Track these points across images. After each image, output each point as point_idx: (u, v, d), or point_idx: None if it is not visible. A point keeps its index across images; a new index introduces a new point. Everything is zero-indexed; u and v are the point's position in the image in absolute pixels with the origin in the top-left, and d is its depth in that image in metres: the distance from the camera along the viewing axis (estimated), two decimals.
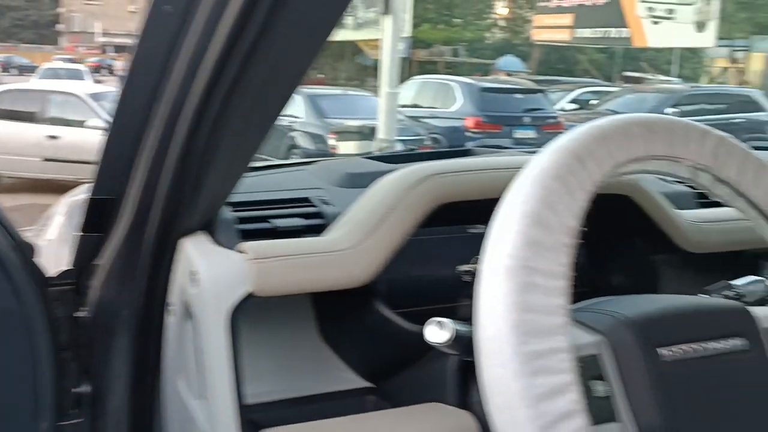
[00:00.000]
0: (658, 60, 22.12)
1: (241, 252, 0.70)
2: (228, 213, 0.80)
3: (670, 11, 14.22)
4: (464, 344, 0.60)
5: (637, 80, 16.73)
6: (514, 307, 0.48)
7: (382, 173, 0.81)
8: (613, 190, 0.85)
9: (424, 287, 0.84)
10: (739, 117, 9.18)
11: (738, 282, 0.80)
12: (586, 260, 0.96)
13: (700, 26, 13.83)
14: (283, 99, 0.64)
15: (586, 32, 16.62)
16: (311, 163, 1.01)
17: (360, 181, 0.83)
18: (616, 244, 0.94)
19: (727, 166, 0.62)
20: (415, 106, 8.99)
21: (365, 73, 19.92)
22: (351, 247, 0.71)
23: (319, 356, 0.80)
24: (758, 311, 0.66)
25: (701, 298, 0.65)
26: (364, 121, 6.94)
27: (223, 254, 0.69)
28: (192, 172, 0.64)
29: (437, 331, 0.61)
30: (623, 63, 20.86)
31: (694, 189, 1.02)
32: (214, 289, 0.66)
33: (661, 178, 1.05)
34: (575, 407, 0.48)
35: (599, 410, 0.55)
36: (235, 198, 0.78)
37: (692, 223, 0.90)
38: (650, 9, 14.58)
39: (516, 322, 0.48)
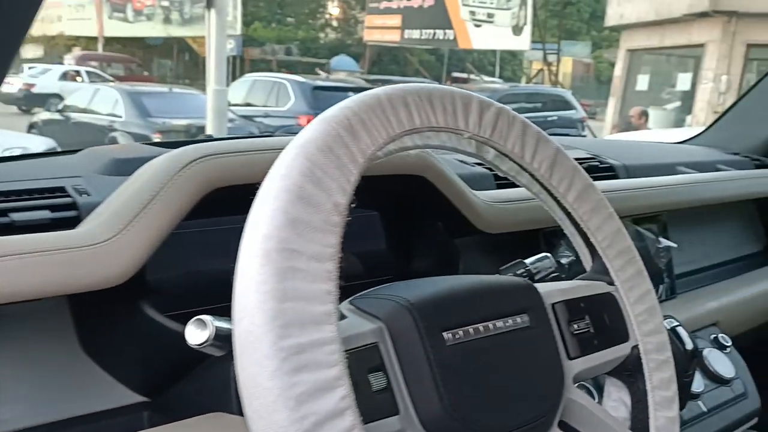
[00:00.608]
0: (483, 62, 23.45)
1: None
2: None
3: (490, 15, 15.10)
4: (229, 343, 0.52)
5: (464, 80, 17.64)
6: (272, 295, 0.41)
7: (152, 158, 0.71)
8: (407, 171, 0.82)
9: (205, 285, 0.75)
10: (554, 114, 9.96)
11: (528, 260, 0.80)
12: (387, 246, 0.92)
13: (517, 30, 14.83)
14: None
15: (414, 33, 17.19)
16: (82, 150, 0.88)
17: (127, 168, 0.72)
18: (416, 227, 0.91)
19: (507, 139, 0.60)
20: (248, 104, 8.77)
21: (196, 71, 19.17)
22: (105, 241, 0.61)
23: (82, 371, 0.69)
24: (544, 287, 0.65)
25: (486, 277, 0.62)
26: (192, 120, 6.63)
27: None
28: None
29: (196, 331, 0.52)
30: (451, 64, 21.86)
31: (492, 170, 1.02)
32: None
33: (461, 160, 1.04)
34: (344, 405, 0.41)
35: (378, 404, 0.50)
36: None
37: (489, 203, 0.89)
38: (472, 13, 15.39)
39: (274, 312, 0.41)
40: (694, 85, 11.73)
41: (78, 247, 0.60)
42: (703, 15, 10.87)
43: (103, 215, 0.64)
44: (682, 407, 0.90)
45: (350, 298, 0.57)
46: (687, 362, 0.85)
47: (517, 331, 0.58)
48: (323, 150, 0.46)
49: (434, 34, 16.50)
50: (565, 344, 0.62)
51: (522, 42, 15.22)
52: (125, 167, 0.73)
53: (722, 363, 1.04)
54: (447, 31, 16.10)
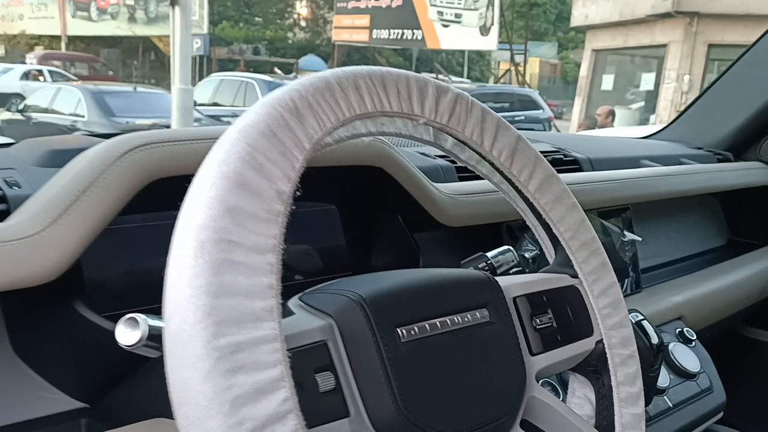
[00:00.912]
0: (451, 62, 23.56)
1: None
2: None
3: (458, 15, 15.16)
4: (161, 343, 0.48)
5: None
6: (206, 290, 0.37)
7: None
8: (364, 162, 0.78)
9: (145, 283, 0.71)
10: (521, 114, 10.04)
11: (490, 253, 0.77)
12: (345, 241, 0.89)
13: (484, 30, 14.91)
14: None
15: (382, 33, 17.17)
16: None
17: (63, 159, 0.67)
18: (375, 221, 0.88)
19: (466, 126, 0.57)
20: (215, 104, 8.66)
21: (162, 71, 18.90)
22: (32, 235, 0.56)
23: (15, 375, 0.64)
24: (505, 280, 0.62)
25: (444, 270, 0.59)
26: (157, 119, 6.51)
27: None
28: None
29: (127, 331, 0.48)
30: (419, 65, 21.90)
31: (455, 163, 0.99)
32: None
33: (422, 153, 1.01)
34: (286, 408, 0.38)
35: (326, 406, 0.46)
36: None
37: (450, 196, 0.86)
38: (440, 13, 15.43)
39: (207, 308, 0.37)
40: (657, 85, 11.92)
41: (4, 242, 0.56)
42: (666, 16, 11.07)
43: (33, 208, 0.59)
44: (647, 403, 0.88)
45: (300, 294, 0.54)
46: (652, 357, 0.83)
47: (476, 327, 0.56)
48: (266, 134, 0.43)
49: (402, 34, 16.51)
50: (527, 340, 0.60)
51: (489, 42, 15.31)
52: (61, 158, 0.68)
53: (687, 357, 1.03)
54: (415, 31, 16.12)
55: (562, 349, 0.63)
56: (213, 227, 0.39)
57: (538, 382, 0.61)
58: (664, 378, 0.98)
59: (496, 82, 19.41)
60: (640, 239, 1.14)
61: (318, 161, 0.77)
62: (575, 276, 0.65)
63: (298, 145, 0.44)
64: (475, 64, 25.21)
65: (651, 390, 0.86)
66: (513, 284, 0.62)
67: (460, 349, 0.54)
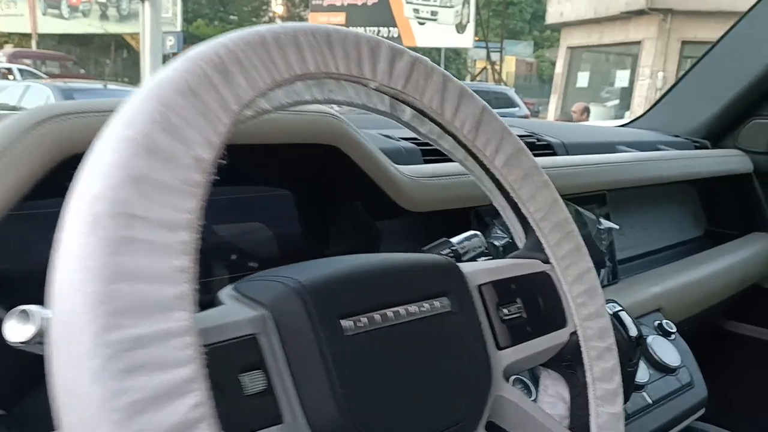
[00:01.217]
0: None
1: None
2: None
3: (434, 13, 15.15)
4: None
5: None
6: (98, 273, 0.30)
7: None
8: (317, 140, 0.71)
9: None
10: (497, 112, 10.02)
11: (455, 239, 0.70)
12: (301, 228, 0.82)
13: (460, 28, 14.92)
14: None
15: (358, 31, 17.07)
16: None
17: None
18: (333, 206, 0.81)
19: (424, 93, 0.50)
20: None
21: (135, 69, 18.64)
22: None
23: None
24: (469, 266, 0.56)
25: (399, 255, 0.52)
26: None
27: None
28: None
29: (17, 326, 0.41)
30: None
31: (421, 145, 0.92)
32: None
33: (386, 135, 0.94)
34: (197, 415, 0.31)
35: (254, 411, 0.39)
36: None
37: (413, 178, 0.79)
38: (416, 11, 15.41)
39: (99, 296, 0.30)
40: (632, 82, 12.01)
41: None
42: (640, 13, 11.14)
43: None
44: (626, 400, 0.82)
45: (235, 283, 0.47)
46: (631, 350, 0.77)
47: (434, 318, 0.49)
48: (183, 92, 0.36)
49: (378, 31, 16.46)
50: (493, 332, 0.54)
51: (465, 40, 15.32)
52: None
53: (667, 351, 0.97)
54: (391, 28, 16.07)
55: (533, 342, 0.57)
56: (111, 198, 0.32)
57: (506, 379, 0.54)
58: (643, 373, 0.92)
59: (472, 80, 19.42)
60: (617, 227, 1.08)
61: (266, 138, 0.70)
62: (547, 261, 0.59)
63: (223, 106, 0.37)
64: (452, 62, 25.22)
65: (630, 386, 0.81)
66: (478, 270, 0.56)
67: (415, 344, 0.47)
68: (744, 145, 1.54)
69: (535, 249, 0.59)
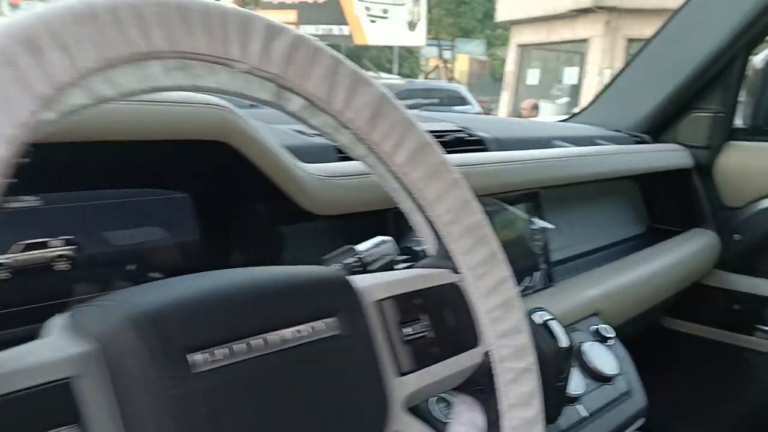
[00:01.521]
0: (381, 59, 23.48)
1: None
2: None
3: (385, 11, 15.11)
4: None
5: None
6: None
7: None
8: (203, 135, 0.62)
9: None
10: (450, 109, 10.04)
11: (362, 246, 0.62)
12: (200, 236, 0.73)
13: (412, 26, 14.91)
14: None
15: (310, 29, 16.92)
16: None
17: None
18: (229, 210, 0.72)
19: (308, 77, 0.42)
20: None
21: None
22: None
23: None
24: (367, 279, 0.48)
25: (275, 269, 0.44)
26: None
27: None
28: None
29: None
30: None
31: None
32: None
33: (299, 131, 0.85)
34: None
35: None
36: None
37: (319, 177, 0.71)
38: (367, 8, 15.33)
39: None
40: (581, 79, 12.17)
41: None
42: (587, 11, 11.29)
43: None
44: (558, 414, 0.76)
45: (75, 308, 0.38)
46: (562, 362, 0.70)
47: (316, 344, 0.42)
48: None
49: (329, 29, 16.31)
50: (394, 355, 0.46)
51: (417, 38, 15.32)
52: None
53: (604, 358, 0.91)
54: (342, 27, 15.95)
55: (440, 365, 0.49)
56: None
57: (411, 409, 0.47)
58: (578, 384, 0.86)
59: (425, 79, 19.44)
60: (551, 227, 1.02)
61: (141, 134, 0.61)
62: (457, 271, 0.51)
63: (28, 88, 0.29)
64: (405, 60, 25.23)
65: (561, 399, 0.74)
66: (377, 284, 0.48)
67: (292, 376, 0.40)
68: (684, 139, 1.51)
69: (445, 257, 0.52)
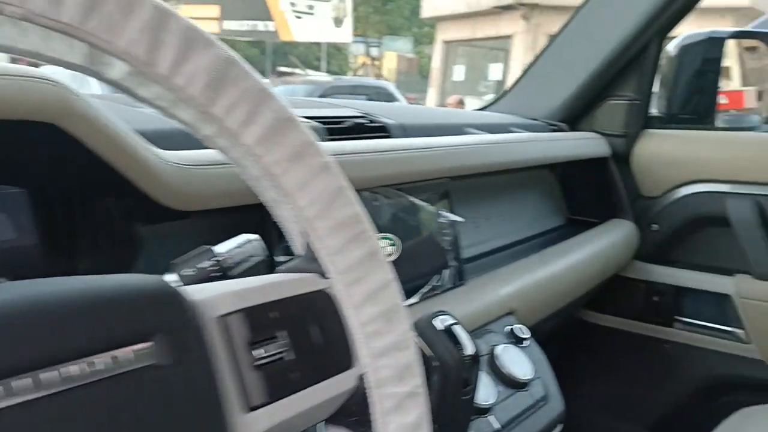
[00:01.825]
0: (308, 56, 23.21)
1: None
2: None
3: (311, 7, 14.92)
4: None
5: (288, 74, 17.31)
6: None
7: None
8: (24, 116, 0.50)
9: None
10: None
11: (221, 246, 0.52)
12: (40, 238, 0.60)
13: (338, 22, 14.78)
14: None
15: (233, 25, 16.52)
16: None
17: None
18: (80, 208, 0.60)
19: (122, 33, 0.32)
20: None
21: None
22: None
23: None
24: (211, 289, 0.38)
25: (77, 280, 0.34)
26: None
27: None
28: None
29: None
30: (275, 58, 21.38)
31: None
32: None
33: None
34: None
35: None
36: None
37: (176, 165, 0.60)
38: (293, 4, 15.10)
39: None
40: (506, 75, 12.35)
41: None
42: (509, 8, 11.44)
43: None
44: (467, 428, 0.67)
45: None
46: (467, 371, 0.62)
47: (120, 379, 0.32)
48: None
49: (254, 25, 15.98)
50: (241, 385, 0.37)
51: (343, 35, 15.22)
52: None
53: (518, 362, 0.84)
54: (267, 22, 15.65)
55: (303, 394, 0.40)
56: None
57: None
58: (489, 392, 0.78)
59: (354, 76, 19.34)
60: (462, 220, 0.94)
61: None
62: (326, 275, 0.42)
63: None
64: (333, 57, 25.05)
65: (467, 413, 0.66)
66: (220, 295, 0.39)
67: (87, 422, 0.30)
68: (600, 127, 1.46)
69: (312, 259, 0.42)
